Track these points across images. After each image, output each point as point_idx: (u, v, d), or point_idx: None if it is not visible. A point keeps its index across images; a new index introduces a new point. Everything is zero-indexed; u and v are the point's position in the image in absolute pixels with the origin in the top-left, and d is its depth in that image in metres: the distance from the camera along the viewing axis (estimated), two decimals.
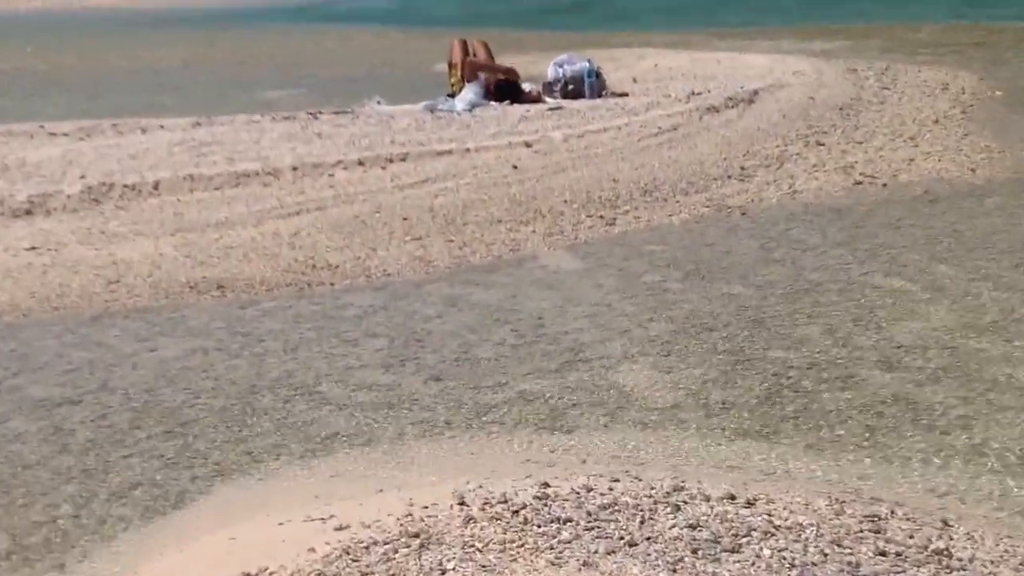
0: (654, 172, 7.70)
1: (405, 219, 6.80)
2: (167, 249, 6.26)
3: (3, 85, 13.29)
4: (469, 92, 10.05)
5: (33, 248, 6.29)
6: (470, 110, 9.66)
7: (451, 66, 10.81)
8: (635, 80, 11.45)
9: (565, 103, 9.98)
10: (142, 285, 5.81)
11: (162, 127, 8.97)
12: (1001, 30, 15.57)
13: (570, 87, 10.44)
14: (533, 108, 9.66)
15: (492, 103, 9.98)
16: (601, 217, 6.91)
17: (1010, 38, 14.50)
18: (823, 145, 8.29)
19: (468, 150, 8.15)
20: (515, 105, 9.95)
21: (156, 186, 7.19)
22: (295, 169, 7.57)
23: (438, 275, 5.99)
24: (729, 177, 7.64)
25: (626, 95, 10.45)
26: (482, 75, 10.23)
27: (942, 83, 10.53)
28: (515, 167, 7.78)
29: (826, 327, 5.06)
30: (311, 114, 9.40)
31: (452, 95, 10.59)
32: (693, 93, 9.98)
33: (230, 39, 17.79)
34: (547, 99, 10.29)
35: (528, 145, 8.29)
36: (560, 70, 10.55)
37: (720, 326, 5.11)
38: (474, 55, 10.77)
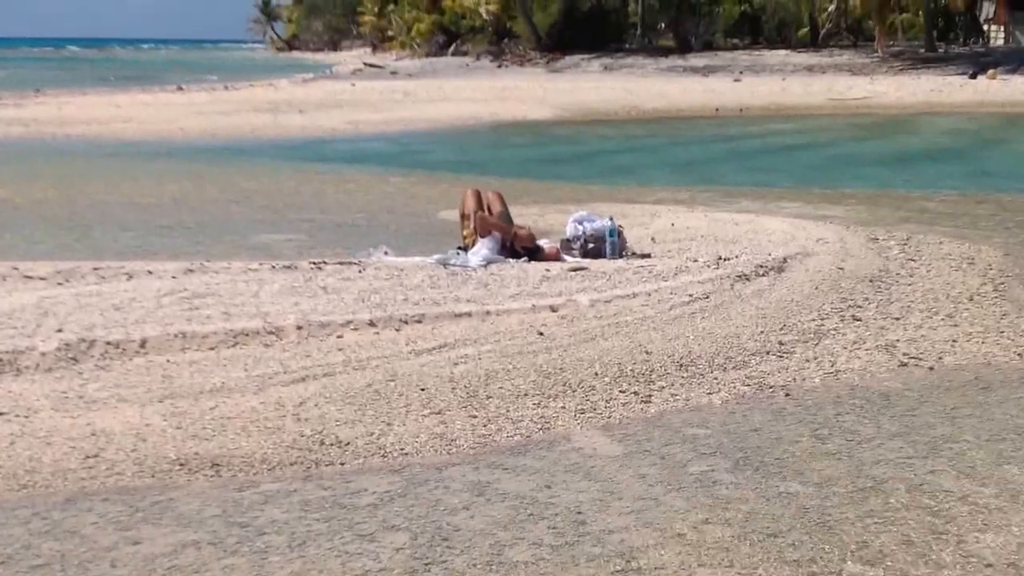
0: (688, 344, 7.30)
1: (423, 390, 6.35)
2: (154, 419, 5.79)
3: None
4: (484, 247, 9.69)
5: (0, 414, 5.78)
6: (485, 266, 9.28)
7: (463, 217, 10.49)
8: (653, 240, 11.16)
9: (586, 262, 9.62)
10: (125, 461, 5.34)
11: (150, 272, 8.56)
12: (1012, 201, 15.54)
13: (590, 245, 10.11)
14: (553, 267, 9.28)
15: (509, 260, 9.62)
16: (635, 393, 6.49)
17: None
18: (859, 320, 7.95)
19: (488, 313, 7.75)
20: (533, 263, 9.57)
21: (143, 344, 6.73)
22: (300, 328, 7.14)
23: (461, 456, 5.54)
24: (768, 353, 7.26)
25: (648, 256, 10.12)
26: (497, 234, 9.87)
27: (967, 257, 10.35)
28: (540, 334, 7.39)
29: (903, 538, 4.62)
30: (314, 264, 8.99)
31: (464, 248, 10.22)
32: (721, 258, 9.64)
33: (220, 176, 17.62)
34: (566, 257, 9.93)
35: (553, 310, 7.90)
36: (580, 227, 10.24)
37: (784, 531, 4.67)
38: (488, 207, 10.45)
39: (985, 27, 58.30)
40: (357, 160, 21.15)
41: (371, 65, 66.52)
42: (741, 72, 49.82)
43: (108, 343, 6.74)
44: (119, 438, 5.54)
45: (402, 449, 5.58)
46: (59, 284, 8.28)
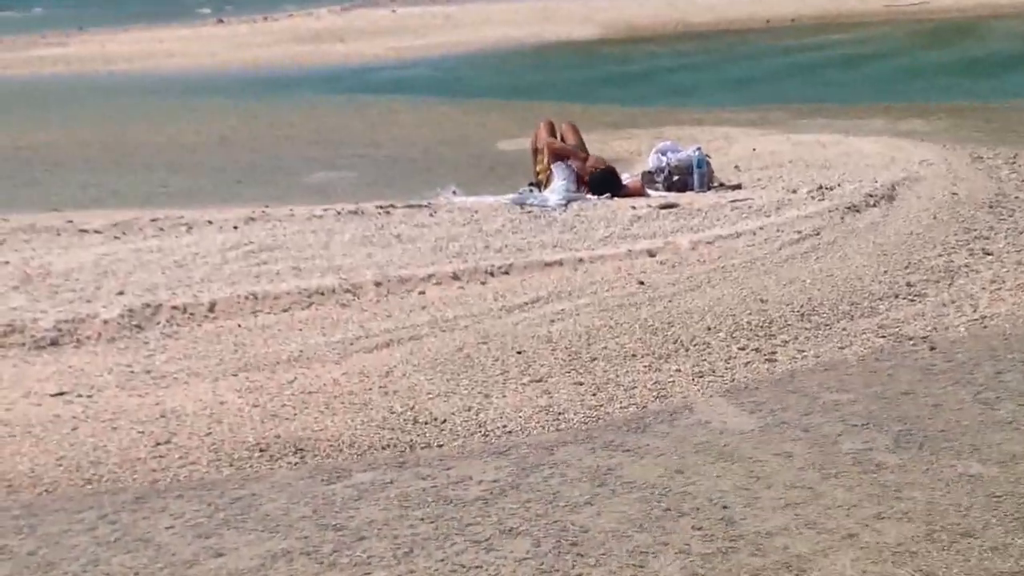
0: (806, 290, 6.56)
1: (519, 353, 5.67)
2: (229, 396, 5.13)
3: (23, 163, 12.26)
4: (560, 183, 8.92)
5: (61, 394, 5.17)
6: (565, 205, 8.53)
7: (535, 151, 9.73)
8: (738, 168, 10.35)
9: (674, 197, 8.84)
10: (199, 448, 4.68)
11: (210, 223, 7.87)
12: None
13: (675, 178, 9.34)
14: (639, 203, 8.52)
15: (589, 196, 8.87)
16: (757, 350, 5.77)
17: None
18: (991, 255, 7.17)
19: (581, 260, 7.03)
20: (616, 199, 8.81)
21: (211, 308, 6.07)
22: (378, 285, 6.45)
23: (572, 434, 4.86)
24: (896, 296, 6.50)
25: (739, 187, 9.34)
26: (573, 163, 9.10)
27: None
28: (641, 283, 6.67)
29: None
30: (382, 208, 8.28)
31: (537, 184, 9.48)
32: (822, 187, 8.83)
33: (266, 111, 16.86)
34: (650, 191, 9.16)
35: (651, 254, 7.17)
36: (663, 158, 9.45)
37: (979, 528, 3.94)
38: (562, 139, 9.67)
39: None
40: (403, 89, 20.33)
41: None
42: None
43: (174, 307, 6.10)
44: (192, 420, 4.90)
45: (505, 426, 4.92)
46: (116, 238, 7.62)
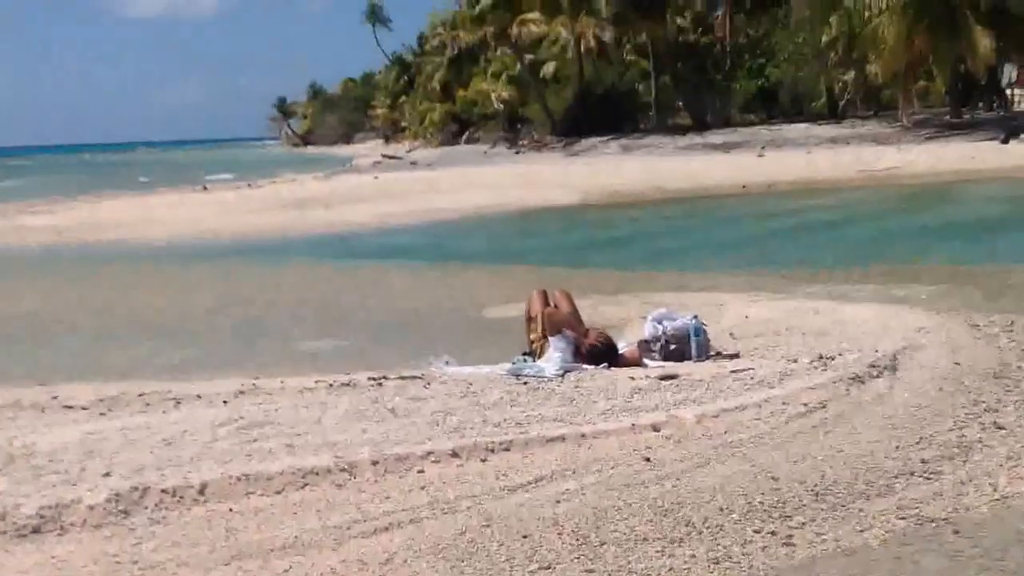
0: (819, 467, 6.32)
1: (525, 537, 5.38)
2: None
3: (9, 332, 12.01)
4: (556, 351, 8.72)
5: None
6: (562, 375, 8.31)
7: (529, 319, 9.57)
8: (732, 335, 10.18)
9: (671, 367, 8.64)
10: None
11: (199, 397, 7.59)
12: None
13: (672, 347, 9.14)
14: (638, 373, 8.31)
15: (585, 366, 8.65)
16: (773, 533, 5.49)
17: None
18: (1004, 428, 6.96)
19: (583, 435, 6.78)
20: (613, 369, 8.60)
21: (202, 490, 5.77)
22: (374, 464, 6.19)
23: None
24: (912, 474, 6.25)
25: (737, 356, 9.15)
26: (569, 333, 8.92)
27: None
28: (647, 459, 6.40)
29: None
30: (374, 380, 8.04)
31: (531, 353, 9.28)
32: (823, 357, 8.64)
33: (254, 278, 16.77)
34: (647, 361, 8.95)
35: (655, 429, 6.94)
36: (659, 327, 9.27)
37: None
38: (555, 308, 9.51)
39: (1008, 92, 57.50)
40: (389, 255, 20.34)
41: (389, 157, 66.30)
42: (763, 147, 49.11)
43: (163, 491, 5.78)
44: None
45: None
46: (102, 415, 7.35)
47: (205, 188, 35.37)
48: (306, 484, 6.00)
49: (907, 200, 29.69)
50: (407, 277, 16.77)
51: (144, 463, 6.24)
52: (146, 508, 5.66)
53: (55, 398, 7.76)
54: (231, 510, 5.67)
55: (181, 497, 5.77)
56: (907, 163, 38.00)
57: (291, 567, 5.00)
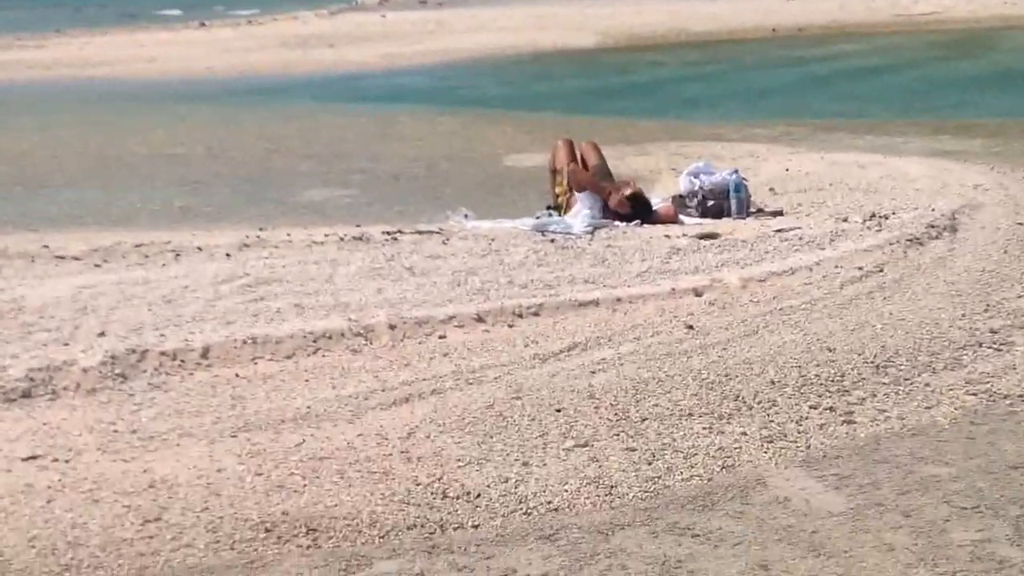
0: (878, 336, 6.02)
1: (559, 411, 5.09)
2: (228, 461, 4.54)
3: None
4: (585, 208, 8.36)
5: (34, 457, 4.55)
6: (591, 232, 7.95)
7: (554, 172, 9.17)
8: (773, 191, 9.81)
9: (709, 224, 8.29)
10: (195, 526, 4.08)
11: (199, 249, 7.26)
12: None
13: (710, 203, 8.78)
14: (674, 232, 7.94)
15: (617, 223, 8.29)
16: (831, 409, 5.20)
17: None
18: None
19: (619, 299, 6.45)
20: (647, 227, 8.24)
21: (205, 353, 5.48)
22: (392, 328, 5.88)
23: (630, 513, 4.28)
24: (980, 345, 5.96)
25: (781, 213, 8.79)
26: (592, 198, 8.54)
27: None
28: (690, 327, 6.08)
29: None
30: (389, 235, 7.69)
31: (555, 207, 8.91)
32: (875, 216, 8.27)
33: (255, 120, 16.26)
34: (683, 219, 8.59)
35: (697, 293, 6.60)
36: (696, 181, 8.90)
37: None
38: (583, 160, 9.11)
39: None
40: (398, 98, 19.78)
41: None
42: None
43: (163, 353, 5.49)
44: (185, 491, 4.30)
45: (549, 502, 4.33)
46: (97, 267, 7.02)
47: (203, 24, 34.43)
48: (318, 349, 5.71)
49: (948, 47, 28.81)
50: (418, 123, 16.28)
51: (142, 322, 5.94)
52: (145, 372, 5.36)
53: (46, 247, 7.43)
54: (237, 376, 5.38)
55: (183, 361, 5.47)
56: (946, 7, 36.88)
57: (304, 440, 4.73)
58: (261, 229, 8.07)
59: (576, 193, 8.75)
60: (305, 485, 4.38)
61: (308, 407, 5.05)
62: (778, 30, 32.19)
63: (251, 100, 19.19)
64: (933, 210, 8.48)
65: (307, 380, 5.36)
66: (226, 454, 4.59)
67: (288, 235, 7.80)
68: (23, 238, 7.82)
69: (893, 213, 8.48)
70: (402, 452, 4.68)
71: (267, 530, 4.06)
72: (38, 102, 19.02)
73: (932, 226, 8.00)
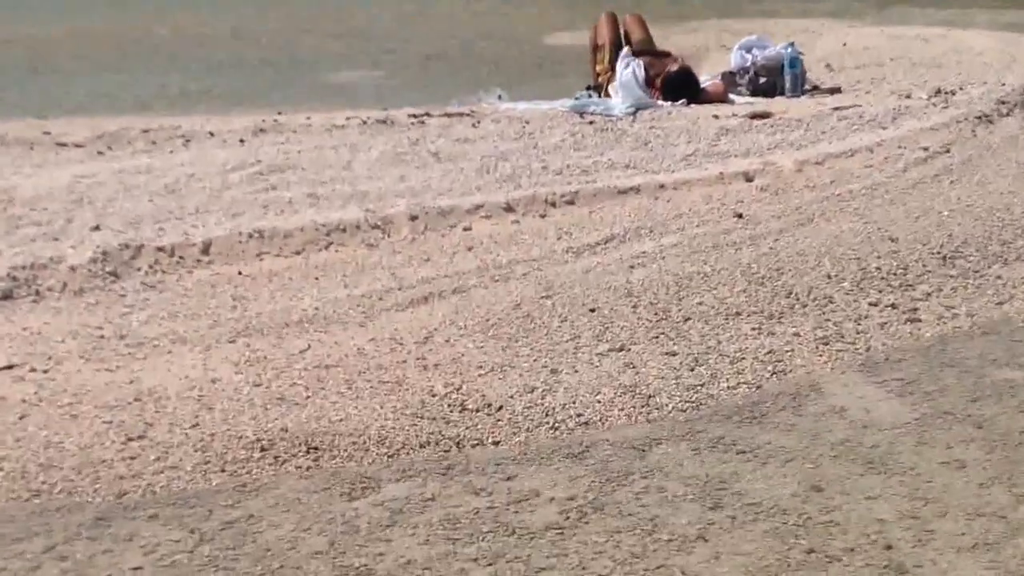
0: (944, 224, 5.50)
1: (592, 311, 4.63)
2: (224, 370, 4.12)
3: (4, 59, 11.18)
4: (626, 87, 7.80)
5: (10, 367, 4.16)
6: (634, 113, 7.42)
7: (595, 49, 8.64)
8: (829, 67, 9.23)
9: (761, 102, 7.72)
10: (183, 445, 3.68)
11: (211, 135, 6.80)
12: None
13: (762, 80, 8.22)
14: (723, 112, 7.39)
15: (661, 102, 7.75)
16: (893, 307, 4.72)
17: None
18: None
19: (662, 186, 5.96)
20: (694, 106, 7.69)
21: (206, 249, 5.04)
22: (413, 219, 5.41)
23: (668, 426, 3.82)
24: None
25: (839, 90, 8.22)
26: (640, 61, 7.96)
27: None
28: (739, 216, 5.58)
29: None
30: (415, 117, 7.19)
31: (596, 88, 8.39)
32: (942, 92, 7.67)
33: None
34: (733, 97, 8.02)
35: (748, 178, 6.09)
36: (747, 56, 8.32)
37: None
38: (626, 35, 8.53)
39: None
40: None
41: None
42: None
43: (160, 249, 5.05)
44: (175, 405, 3.89)
45: (579, 415, 3.88)
46: (99, 154, 6.58)
47: None
48: (331, 243, 5.26)
49: None
50: (453, 1, 15.67)
51: (141, 214, 5.50)
52: (139, 270, 4.93)
53: (47, 134, 6.98)
54: (240, 274, 4.94)
55: (181, 257, 5.03)
56: None
57: (309, 346, 4.30)
58: (280, 113, 7.60)
59: (618, 69, 8.18)
60: (308, 397, 3.96)
61: (316, 308, 4.61)
62: None
63: None
64: (1003, 85, 7.91)
65: (317, 278, 4.92)
66: (222, 362, 4.16)
67: (308, 119, 7.33)
68: (25, 124, 7.38)
69: (960, 89, 7.91)
70: (418, 359, 4.24)
71: (263, 449, 3.64)
72: None
73: (1002, 102, 7.44)
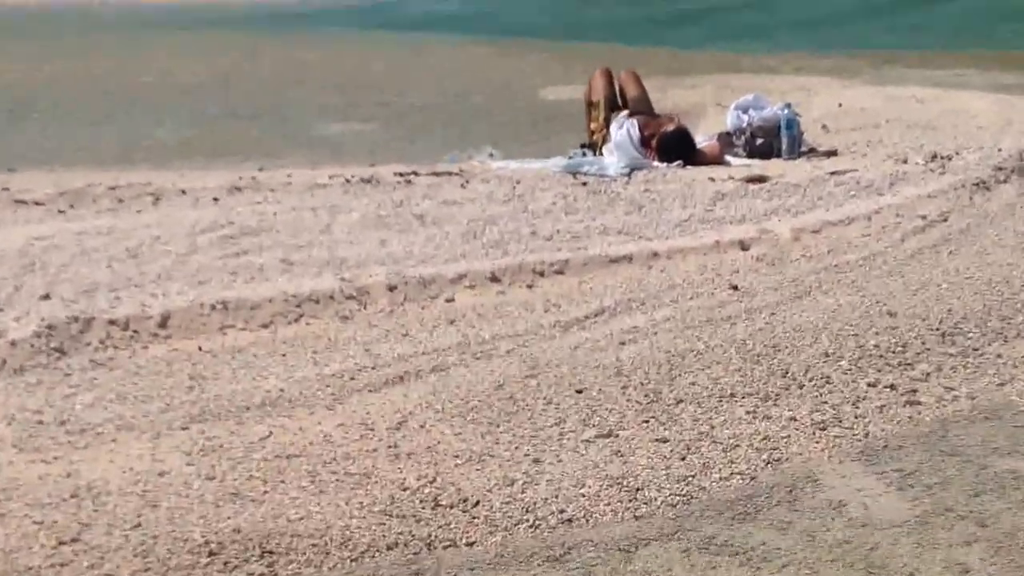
0: (943, 298, 5.20)
1: (580, 392, 4.28)
2: (173, 461, 3.74)
3: None
4: (621, 147, 7.49)
5: None
6: (628, 174, 7.10)
7: (590, 105, 8.33)
8: (825, 128, 8.94)
9: (757, 165, 7.42)
10: (121, 549, 3.30)
11: (184, 193, 6.44)
12: None
13: (759, 141, 7.91)
14: (719, 174, 7.07)
15: (656, 163, 7.44)
16: (892, 387, 4.37)
17: None
18: None
19: (655, 254, 5.63)
20: (690, 168, 7.38)
21: (164, 322, 4.65)
22: (392, 289, 5.05)
23: (656, 523, 3.45)
24: None
25: (835, 153, 7.92)
26: (635, 121, 7.66)
27: None
28: (734, 287, 5.25)
29: None
30: (402, 176, 6.86)
31: (591, 145, 8.07)
32: (938, 157, 7.37)
33: (279, 47, 15.46)
34: (731, 159, 7.71)
35: (744, 247, 5.75)
36: (744, 117, 8.02)
37: None
38: (621, 92, 8.24)
39: None
40: (433, 25, 18.94)
41: None
42: None
43: (112, 322, 4.64)
44: (116, 502, 3.50)
45: (562, 511, 3.50)
46: (60, 213, 6.18)
47: None
48: (302, 315, 4.88)
49: None
50: (452, 52, 15.47)
51: (97, 281, 5.10)
52: (88, 345, 4.53)
53: (5, 189, 6.60)
54: (200, 350, 4.55)
55: (135, 331, 4.64)
56: None
57: (271, 433, 3.92)
58: (260, 169, 7.26)
59: (612, 128, 7.88)
60: (266, 492, 3.57)
61: (281, 389, 4.23)
62: None
63: (276, 25, 18.39)
64: (1000, 150, 7.61)
65: (284, 355, 4.54)
66: (172, 452, 3.78)
67: (289, 176, 6.98)
68: None
69: (956, 153, 7.61)
70: (389, 447, 3.87)
71: (211, 553, 3.26)
72: (43, 28, 18.24)
73: (999, 168, 7.15)
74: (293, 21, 18.76)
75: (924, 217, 6.29)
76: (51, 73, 13.17)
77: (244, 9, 20.42)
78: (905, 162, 7.44)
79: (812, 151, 8.09)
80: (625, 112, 7.86)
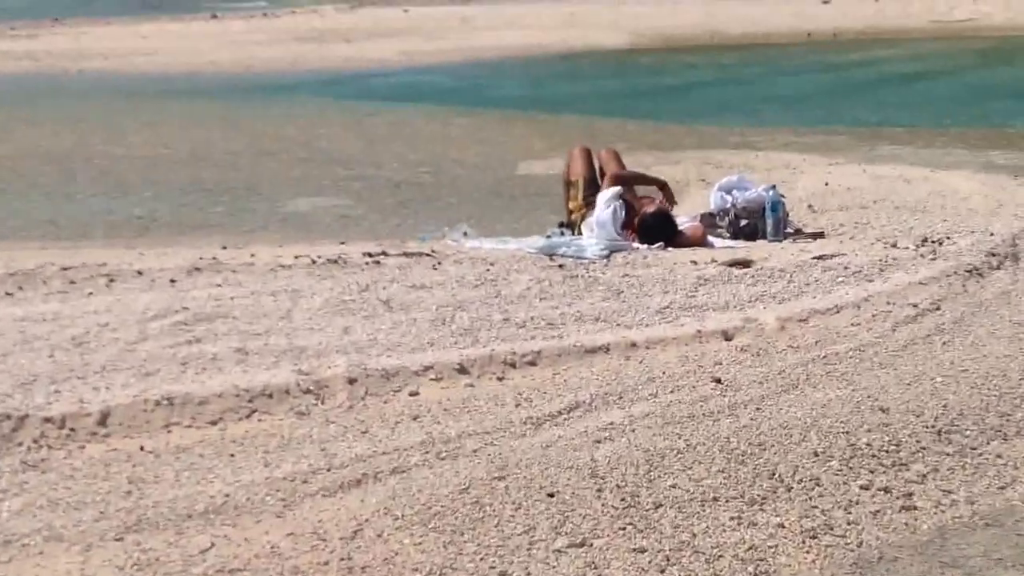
0: (938, 392, 5.00)
1: (551, 496, 4.04)
2: None
3: None
4: (603, 225, 7.29)
5: None
6: (607, 256, 6.89)
7: (568, 184, 8.13)
8: (811, 208, 8.76)
9: (741, 248, 7.23)
10: None
11: (139, 274, 6.18)
12: None
13: (743, 223, 7.73)
14: (702, 257, 6.87)
15: (637, 245, 7.24)
16: (886, 491, 4.17)
17: None
18: None
19: (634, 345, 5.40)
20: (672, 250, 7.18)
21: (104, 419, 4.38)
22: (352, 382, 4.80)
23: None
24: None
25: (822, 235, 7.73)
26: (624, 203, 7.47)
27: None
28: (717, 381, 5.00)
29: None
30: (370, 257, 6.63)
31: (569, 224, 7.87)
32: (929, 241, 7.19)
33: (252, 120, 15.35)
34: (714, 241, 7.51)
35: (727, 337, 5.53)
36: (727, 198, 7.85)
37: None
38: (600, 171, 8.06)
39: None
40: (413, 97, 18.83)
41: None
42: None
43: (47, 419, 4.37)
44: None
45: None
46: (7, 295, 5.91)
47: (214, 16, 33.36)
48: (254, 411, 4.61)
49: (987, 54, 27.78)
50: (431, 124, 15.32)
51: (37, 373, 4.83)
52: (20, 446, 4.25)
53: None
54: (142, 449, 4.27)
55: (72, 429, 4.35)
56: (984, 14, 35.74)
57: (212, 544, 3.64)
58: (223, 247, 7.01)
59: (599, 195, 7.68)
60: None
61: (227, 495, 3.95)
62: (813, 35, 31.51)
63: (252, 98, 18.23)
64: (992, 235, 7.42)
65: (233, 455, 4.27)
66: (103, 566, 3.50)
67: (252, 256, 6.73)
68: None
69: (948, 237, 7.41)
70: (342, 559, 3.61)
71: None
72: (15, 98, 18.02)
73: (992, 254, 6.96)
74: (271, 92, 18.64)
75: (916, 305, 6.08)
76: (17, 144, 12.94)
77: (224, 78, 20.30)
78: (895, 246, 7.24)
79: (798, 232, 7.89)
80: (617, 189, 7.63)
